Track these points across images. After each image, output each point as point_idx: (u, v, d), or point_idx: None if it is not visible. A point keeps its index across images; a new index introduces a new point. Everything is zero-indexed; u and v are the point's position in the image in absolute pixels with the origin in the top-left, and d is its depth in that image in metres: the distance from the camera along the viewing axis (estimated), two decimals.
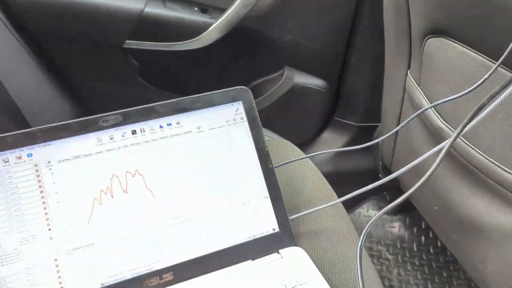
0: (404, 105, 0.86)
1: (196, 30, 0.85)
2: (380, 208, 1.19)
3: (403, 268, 1.05)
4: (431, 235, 1.12)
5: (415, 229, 1.14)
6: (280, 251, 0.50)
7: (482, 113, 0.44)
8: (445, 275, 1.02)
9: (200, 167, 0.51)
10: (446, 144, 0.45)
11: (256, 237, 0.51)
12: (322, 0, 0.93)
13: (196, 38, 0.85)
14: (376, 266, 1.06)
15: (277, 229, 0.51)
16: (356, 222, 1.17)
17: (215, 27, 0.83)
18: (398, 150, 0.92)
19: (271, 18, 0.92)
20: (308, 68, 1.02)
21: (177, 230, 0.49)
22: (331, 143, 1.14)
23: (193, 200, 0.50)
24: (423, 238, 1.12)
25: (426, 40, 0.71)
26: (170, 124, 0.51)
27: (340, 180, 1.18)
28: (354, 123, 1.12)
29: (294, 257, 0.50)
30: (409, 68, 0.81)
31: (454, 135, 0.44)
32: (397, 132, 0.92)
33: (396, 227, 1.15)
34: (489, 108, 0.43)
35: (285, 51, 0.99)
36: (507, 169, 0.58)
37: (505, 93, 0.42)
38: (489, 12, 0.52)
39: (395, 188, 1.00)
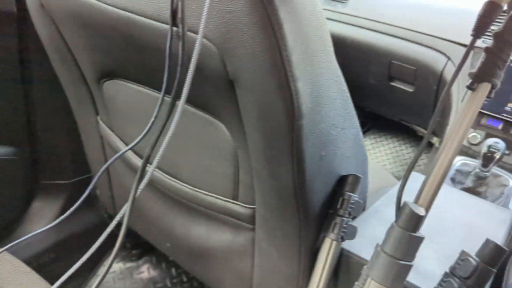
0: (106, 151, 0.81)
1: None
2: (123, 258, 1.12)
3: None
4: None
5: (163, 265, 1.11)
6: None
7: (164, 143, 0.45)
8: None
9: None
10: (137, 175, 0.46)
11: None
12: None
13: None
14: None
15: None
16: (104, 282, 1.07)
17: None
18: (118, 198, 0.87)
19: None
20: None
21: None
22: (48, 210, 1.01)
23: None
24: (173, 270, 1.10)
25: (102, 83, 0.67)
26: None
27: (71, 247, 1.05)
28: (67, 181, 1.01)
29: None
30: (98, 113, 0.76)
31: (140, 168, 0.46)
32: (110, 181, 0.86)
33: (145, 271, 1.10)
34: (166, 138, 0.44)
35: None
36: (209, 193, 0.59)
37: (173, 122, 0.43)
38: (143, 56, 0.52)
39: (133, 234, 0.95)
